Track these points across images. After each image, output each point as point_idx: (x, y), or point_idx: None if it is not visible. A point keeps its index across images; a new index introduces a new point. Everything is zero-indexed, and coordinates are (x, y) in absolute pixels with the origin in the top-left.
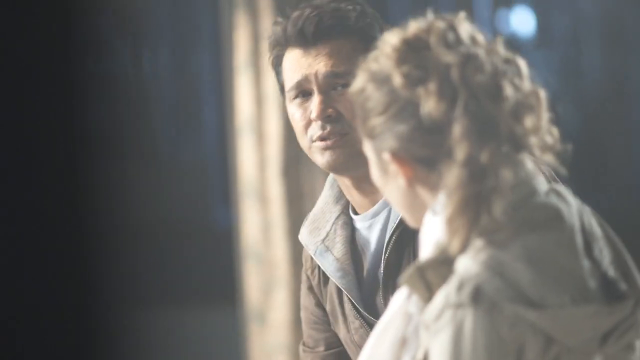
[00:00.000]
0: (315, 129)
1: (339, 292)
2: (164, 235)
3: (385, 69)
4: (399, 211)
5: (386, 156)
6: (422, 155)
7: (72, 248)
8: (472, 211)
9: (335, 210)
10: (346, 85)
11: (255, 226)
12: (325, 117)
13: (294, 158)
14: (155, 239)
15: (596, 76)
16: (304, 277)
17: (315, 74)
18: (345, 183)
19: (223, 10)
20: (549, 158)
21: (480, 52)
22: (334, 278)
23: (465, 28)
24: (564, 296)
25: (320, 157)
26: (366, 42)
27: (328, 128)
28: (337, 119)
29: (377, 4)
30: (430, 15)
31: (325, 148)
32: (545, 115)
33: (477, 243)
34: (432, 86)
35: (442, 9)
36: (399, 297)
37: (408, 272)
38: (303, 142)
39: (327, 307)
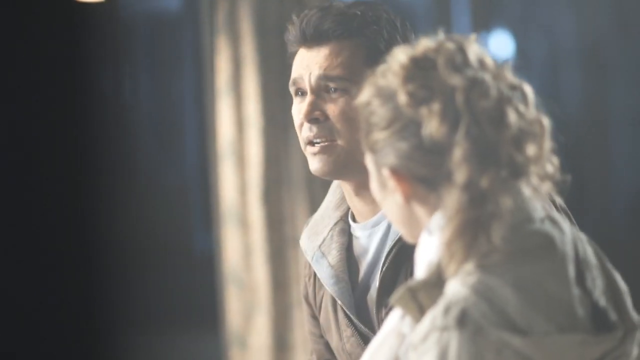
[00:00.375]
0: (305, 130)
1: (333, 299)
2: (145, 259)
3: (391, 85)
4: (395, 226)
5: (385, 172)
6: (421, 175)
7: (55, 271)
8: (471, 236)
9: (335, 216)
10: (339, 89)
11: (236, 251)
12: (312, 118)
13: (274, 183)
14: (135, 264)
15: (574, 101)
16: (302, 285)
17: (309, 75)
18: (347, 189)
19: (204, 34)
20: (547, 187)
21: (487, 77)
22: (327, 285)
23: (474, 50)
24: (551, 324)
25: (311, 162)
26: (368, 49)
27: (314, 130)
28: (323, 122)
29: None
30: (441, 35)
31: (314, 154)
32: (547, 144)
33: (468, 267)
34: (435, 107)
35: (419, 32)
36: (394, 316)
37: (399, 292)
38: (300, 142)
39: (321, 316)
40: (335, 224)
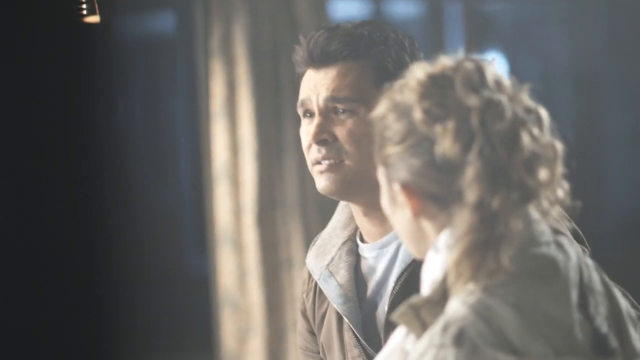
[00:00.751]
0: (314, 152)
1: (339, 319)
2: (139, 282)
3: (407, 101)
4: (403, 240)
5: (396, 187)
6: (432, 192)
7: (51, 292)
8: (479, 257)
9: (343, 235)
10: (347, 110)
11: (231, 273)
12: (320, 140)
13: (269, 205)
14: (130, 286)
15: (567, 122)
16: (300, 301)
17: (317, 96)
18: (355, 209)
19: (199, 57)
20: (557, 212)
21: (503, 99)
22: (335, 304)
23: (492, 71)
24: (548, 347)
25: (317, 181)
26: (376, 70)
27: (323, 152)
28: (332, 144)
29: None
30: (460, 53)
31: (320, 172)
32: (559, 169)
33: (470, 286)
34: (450, 126)
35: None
36: (399, 334)
37: (401, 309)
38: (309, 164)
39: (322, 335)
40: (344, 243)
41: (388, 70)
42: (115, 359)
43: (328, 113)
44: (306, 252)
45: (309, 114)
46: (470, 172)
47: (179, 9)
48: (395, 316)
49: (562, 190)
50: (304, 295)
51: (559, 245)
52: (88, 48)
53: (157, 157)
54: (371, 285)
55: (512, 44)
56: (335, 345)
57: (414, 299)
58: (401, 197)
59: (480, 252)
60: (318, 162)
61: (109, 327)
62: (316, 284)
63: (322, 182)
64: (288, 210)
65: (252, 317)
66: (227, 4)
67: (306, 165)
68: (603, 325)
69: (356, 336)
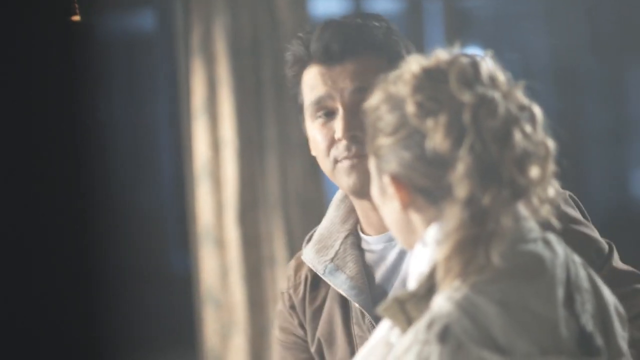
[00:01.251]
0: (341, 150)
1: (344, 312)
2: (121, 280)
3: (401, 93)
4: (392, 231)
5: (386, 178)
6: (421, 185)
7: (33, 292)
8: (469, 253)
9: (343, 230)
10: None
11: (213, 271)
12: (351, 136)
13: (250, 203)
14: (111, 284)
15: (547, 118)
16: (284, 297)
17: (341, 91)
18: (364, 204)
19: (179, 55)
20: (546, 210)
21: (497, 96)
22: (350, 296)
23: (487, 67)
24: (534, 346)
25: (345, 179)
26: (392, 60)
27: (353, 149)
28: (363, 140)
29: None
30: (457, 48)
31: (352, 167)
32: (551, 167)
33: (456, 282)
34: (442, 120)
35: None
36: (383, 326)
37: (386, 303)
38: (325, 164)
39: (320, 329)
40: (346, 237)
41: (403, 59)
42: (99, 356)
43: (353, 108)
44: (288, 249)
45: (327, 112)
46: (461, 167)
47: (159, 7)
48: (380, 309)
49: (552, 189)
50: (291, 291)
51: (547, 243)
52: (69, 47)
53: (138, 156)
54: (379, 276)
55: (492, 40)
56: (340, 339)
57: (399, 293)
58: (390, 189)
59: (470, 248)
60: (346, 159)
61: (92, 325)
62: (307, 278)
63: (352, 179)
64: (270, 208)
65: (234, 314)
66: (207, 1)
67: (288, 163)
68: (589, 324)
69: (374, 326)
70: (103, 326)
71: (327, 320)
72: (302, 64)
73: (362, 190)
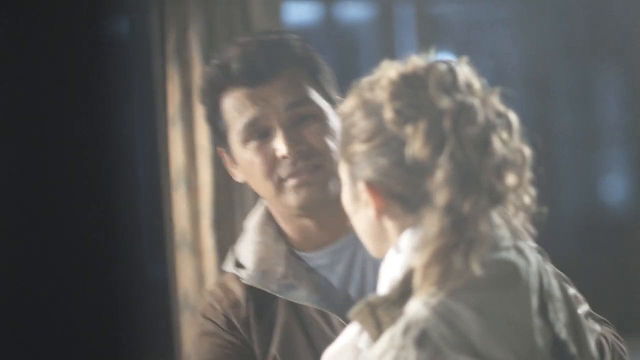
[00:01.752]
0: (286, 168)
1: (301, 323)
2: (98, 288)
3: (377, 99)
4: (363, 239)
5: (361, 185)
6: (397, 192)
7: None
8: (448, 260)
9: (281, 250)
10: (311, 115)
11: (189, 278)
12: (296, 152)
13: (226, 209)
14: (87, 292)
15: (522, 126)
16: (217, 321)
17: (275, 109)
18: (305, 222)
19: (155, 61)
20: (522, 218)
21: (476, 103)
22: (317, 304)
23: (464, 73)
24: (509, 352)
25: (294, 197)
26: (313, 72)
27: (300, 164)
28: (308, 154)
29: None
30: (432, 54)
31: (300, 184)
32: (527, 175)
33: (432, 289)
34: (421, 127)
35: (365, 55)
36: (351, 331)
37: (358, 307)
38: (266, 187)
39: (277, 347)
40: (287, 255)
41: (321, 72)
42: None
43: (291, 124)
44: None
45: (260, 133)
46: (440, 174)
47: (134, 13)
48: (352, 313)
49: (528, 197)
50: (228, 310)
51: (519, 251)
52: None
53: (113, 162)
54: (335, 284)
55: (464, 47)
56: (303, 348)
57: (371, 297)
58: (365, 196)
59: (449, 255)
60: (293, 176)
61: (67, 333)
62: (247, 299)
63: (302, 196)
64: (246, 214)
65: None
66: (181, 8)
67: None
68: (562, 332)
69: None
70: (79, 334)
71: (284, 336)
72: (220, 90)
73: (312, 205)
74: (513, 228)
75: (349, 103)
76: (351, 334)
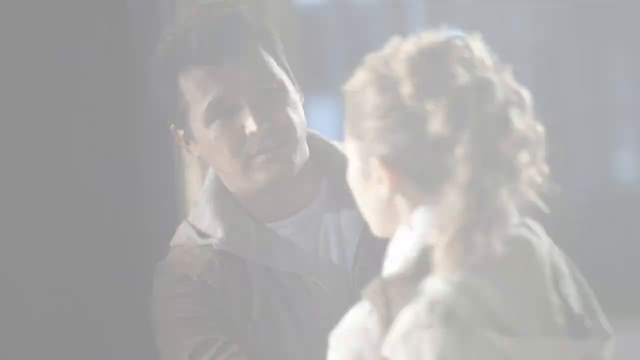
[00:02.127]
0: (255, 144)
1: (280, 290)
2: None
3: (395, 75)
4: (369, 217)
5: (374, 162)
6: (414, 169)
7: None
8: (470, 238)
9: (248, 220)
10: (279, 89)
11: None
12: (266, 128)
13: None
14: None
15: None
16: (193, 285)
17: (242, 86)
18: (267, 197)
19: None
20: (533, 195)
21: (495, 80)
22: (296, 268)
23: (480, 49)
24: (534, 327)
25: (264, 173)
26: (270, 43)
27: (270, 140)
28: (278, 130)
29: None
30: (445, 30)
31: (271, 159)
32: (541, 152)
33: (452, 266)
34: (443, 104)
35: (374, 34)
36: (358, 311)
37: (372, 286)
38: (233, 165)
39: (255, 311)
40: (255, 225)
41: (274, 43)
42: None
43: (259, 100)
44: None
45: (230, 111)
46: (462, 151)
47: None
48: (365, 292)
49: (541, 174)
50: (201, 272)
51: (529, 228)
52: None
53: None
54: (308, 249)
55: (473, 24)
56: (283, 317)
57: (386, 275)
58: (378, 173)
59: (472, 233)
60: (263, 152)
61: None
62: (222, 267)
63: (273, 171)
64: None
65: None
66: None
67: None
68: (576, 306)
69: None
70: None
71: (263, 303)
72: (179, 68)
73: (285, 178)
74: (521, 205)
75: (360, 78)
76: (359, 315)
